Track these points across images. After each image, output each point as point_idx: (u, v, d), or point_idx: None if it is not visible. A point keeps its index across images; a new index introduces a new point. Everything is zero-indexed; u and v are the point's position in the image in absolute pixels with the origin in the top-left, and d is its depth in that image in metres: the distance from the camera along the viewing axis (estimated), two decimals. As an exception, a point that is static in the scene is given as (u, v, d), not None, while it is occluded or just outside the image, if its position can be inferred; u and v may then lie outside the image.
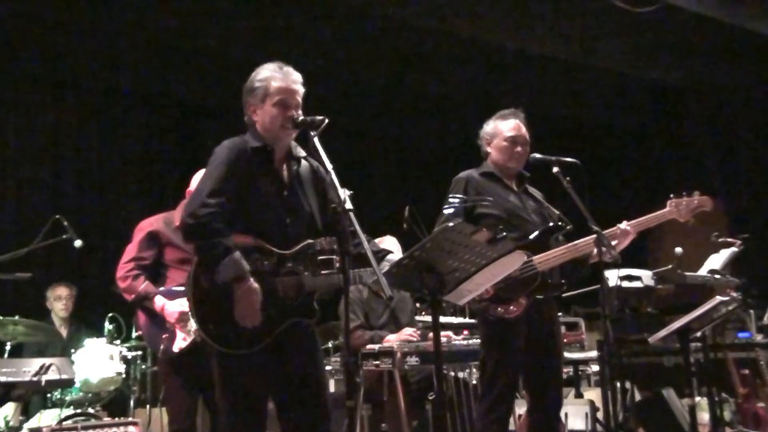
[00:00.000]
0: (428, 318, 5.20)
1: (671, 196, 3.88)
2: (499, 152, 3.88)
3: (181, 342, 3.98)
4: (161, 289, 4.11)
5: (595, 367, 5.88)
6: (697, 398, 4.62)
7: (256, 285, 2.93)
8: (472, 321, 5.50)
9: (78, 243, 5.18)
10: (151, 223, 4.25)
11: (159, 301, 4.07)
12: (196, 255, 3.03)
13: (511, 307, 3.64)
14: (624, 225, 3.76)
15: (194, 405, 4.10)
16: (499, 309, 3.65)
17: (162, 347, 4.03)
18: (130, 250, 4.21)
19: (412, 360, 4.48)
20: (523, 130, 3.91)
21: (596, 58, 7.89)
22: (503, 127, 3.90)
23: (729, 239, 5.41)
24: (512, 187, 3.89)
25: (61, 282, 6.45)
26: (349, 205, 2.75)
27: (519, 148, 3.86)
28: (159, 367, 4.53)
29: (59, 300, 6.35)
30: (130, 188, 7.76)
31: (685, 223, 3.89)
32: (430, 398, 4.70)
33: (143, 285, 4.10)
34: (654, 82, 8.72)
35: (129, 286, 4.12)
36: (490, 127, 3.95)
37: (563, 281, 3.78)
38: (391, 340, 4.86)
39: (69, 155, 7.57)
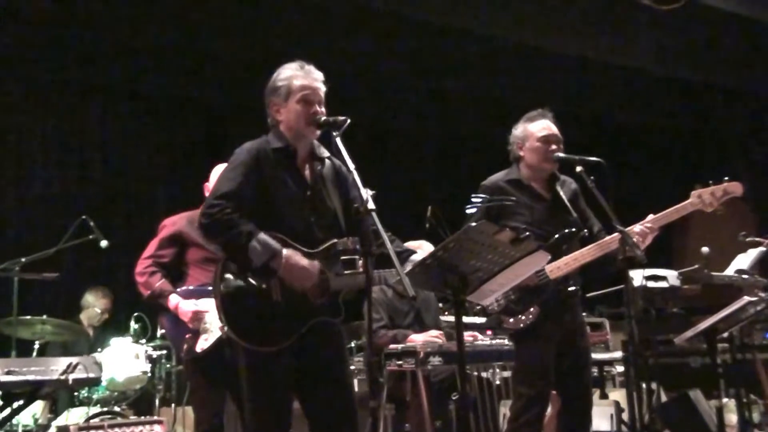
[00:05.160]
0: (452, 318, 5.19)
1: (696, 186, 3.68)
2: (533, 154, 3.77)
3: (203, 342, 3.99)
4: (183, 288, 4.14)
5: (620, 368, 5.84)
6: (725, 399, 4.57)
7: (291, 251, 2.94)
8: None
9: (104, 243, 5.23)
10: (175, 222, 4.28)
11: (173, 300, 4.10)
12: (223, 252, 3.05)
13: (522, 317, 3.60)
14: (639, 227, 3.58)
15: (221, 404, 4.10)
16: (511, 320, 3.62)
17: (185, 347, 4.06)
18: (151, 247, 4.26)
19: (435, 360, 4.47)
20: (555, 128, 3.80)
21: (622, 56, 7.82)
22: (533, 129, 3.79)
23: (757, 239, 5.33)
24: (542, 194, 3.80)
25: (106, 293, 6.50)
26: (371, 205, 2.75)
27: (553, 147, 3.75)
28: (184, 367, 4.56)
29: (94, 307, 6.40)
30: (155, 189, 7.82)
31: (714, 213, 3.66)
32: (454, 398, 4.70)
33: (159, 282, 4.13)
34: (681, 80, 8.61)
35: (145, 282, 4.16)
36: (519, 130, 3.84)
37: (577, 288, 3.70)
38: (416, 340, 4.86)
39: (95, 157, 7.64)
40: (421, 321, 5.14)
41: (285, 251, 2.94)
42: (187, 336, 4.03)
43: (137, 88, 7.74)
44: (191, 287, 4.10)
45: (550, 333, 3.63)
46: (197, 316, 3.99)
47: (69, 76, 7.39)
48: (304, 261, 2.96)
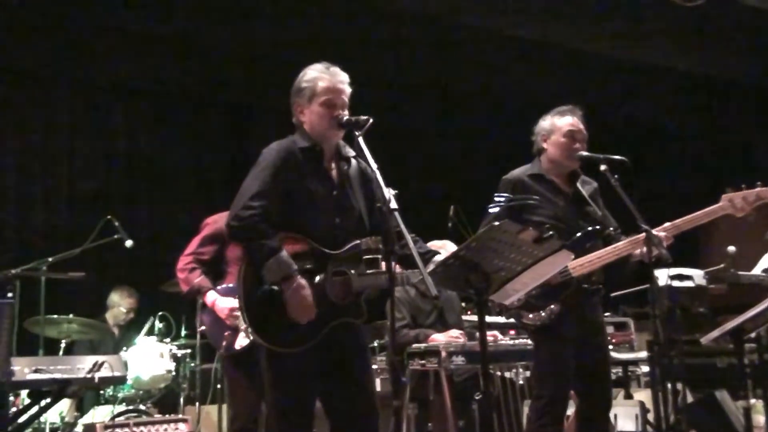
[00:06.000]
0: (475, 318, 5.18)
1: (726, 189, 3.62)
2: (556, 148, 3.75)
3: (242, 340, 4.03)
4: (223, 286, 4.19)
5: (645, 368, 5.79)
6: (752, 400, 4.51)
7: (304, 282, 2.95)
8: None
9: (129, 243, 5.28)
10: (216, 220, 4.34)
11: (210, 297, 4.17)
12: (244, 255, 3.07)
13: (542, 313, 3.58)
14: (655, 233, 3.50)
15: (257, 402, 4.10)
16: (531, 316, 3.60)
17: (224, 344, 4.10)
18: (192, 244, 4.35)
19: (458, 359, 4.46)
20: (581, 126, 3.78)
21: (647, 54, 7.74)
22: (561, 123, 3.77)
23: (784, 238, 5.27)
24: (563, 189, 3.78)
25: (131, 292, 6.54)
26: (394, 205, 2.75)
27: (577, 145, 3.73)
28: (222, 364, 4.61)
29: (120, 306, 6.45)
30: (180, 189, 7.87)
31: (745, 218, 3.59)
32: (477, 398, 4.69)
33: (198, 279, 4.22)
34: (708, 77, 8.51)
35: (185, 278, 4.26)
36: (546, 123, 3.82)
37: (600, 286, 3.68)
38: (437, 339, 4.85)
39: (120, 157, 7.71)
40: (444, 320, 5.14)
41: (299, 279, 2.94)
42: (226, 333, 4.08)
43: (160, 88, 7.80)
44: (231, 285, 4.14)
45: (570, 331, 3.61)
46: (233, 312, 4.03)
47: (93, 74, 7.46)
48: (308, 297, 2.95)
